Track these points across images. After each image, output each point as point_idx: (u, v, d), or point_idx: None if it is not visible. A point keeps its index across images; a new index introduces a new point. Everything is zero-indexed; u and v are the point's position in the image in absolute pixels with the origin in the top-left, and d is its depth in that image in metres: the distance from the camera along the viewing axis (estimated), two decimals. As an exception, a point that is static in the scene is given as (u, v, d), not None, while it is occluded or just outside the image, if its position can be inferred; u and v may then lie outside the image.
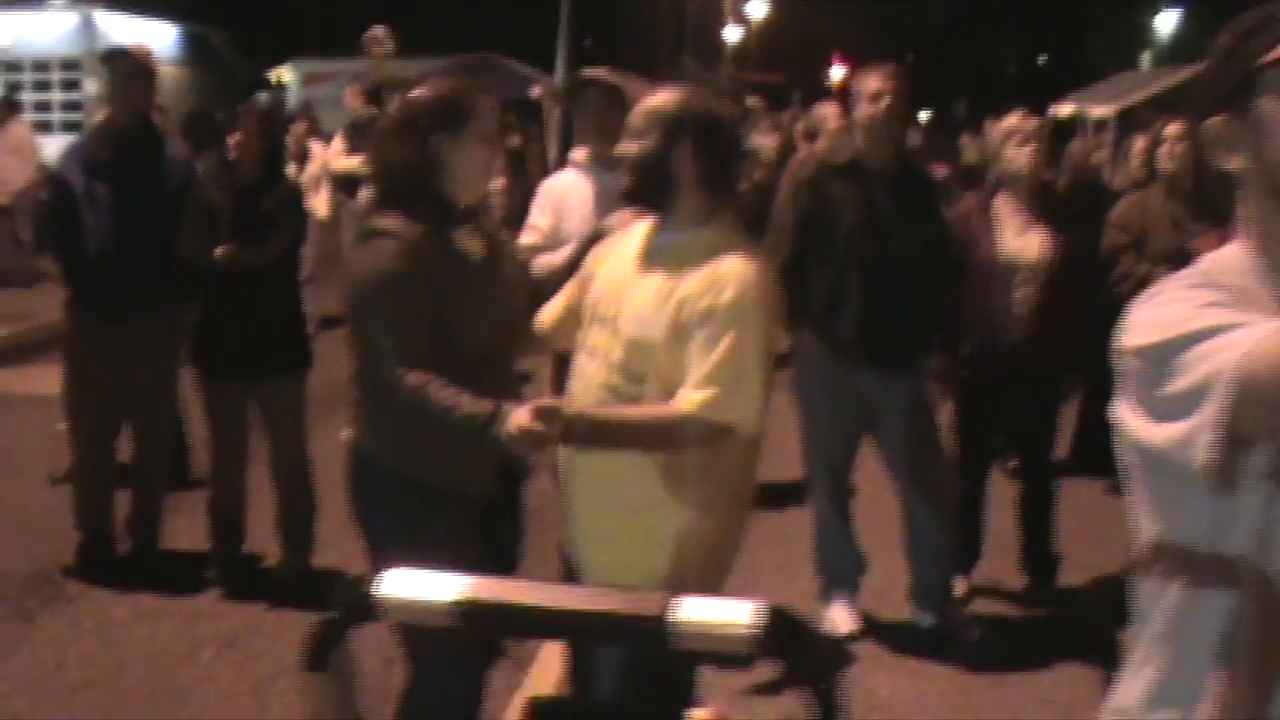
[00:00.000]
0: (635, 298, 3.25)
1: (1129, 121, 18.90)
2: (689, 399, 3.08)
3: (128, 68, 5.82)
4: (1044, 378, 5.50)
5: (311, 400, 5.84)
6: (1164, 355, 1.54)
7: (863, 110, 5.09)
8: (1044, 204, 5.39)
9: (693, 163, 3.26)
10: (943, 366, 5.53)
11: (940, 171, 9.66)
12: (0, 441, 7.75)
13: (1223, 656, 1.60)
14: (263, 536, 5.90)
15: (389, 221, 3.27)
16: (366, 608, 1.34)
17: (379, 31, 10.37)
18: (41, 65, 23.93)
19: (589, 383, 3.33)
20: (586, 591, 1.34)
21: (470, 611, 1.29)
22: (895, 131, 5.22)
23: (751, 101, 13.97)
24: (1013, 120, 5.44)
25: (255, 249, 5.43)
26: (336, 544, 5.44)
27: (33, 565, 5.87)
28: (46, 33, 23.27)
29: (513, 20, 28.85)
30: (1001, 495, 5.93)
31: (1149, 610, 1.70)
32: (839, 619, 5.33)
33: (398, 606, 1.32)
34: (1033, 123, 5.42)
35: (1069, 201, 6.38)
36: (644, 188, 3.31)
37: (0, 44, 23.02)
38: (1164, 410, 1.54)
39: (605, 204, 4.81)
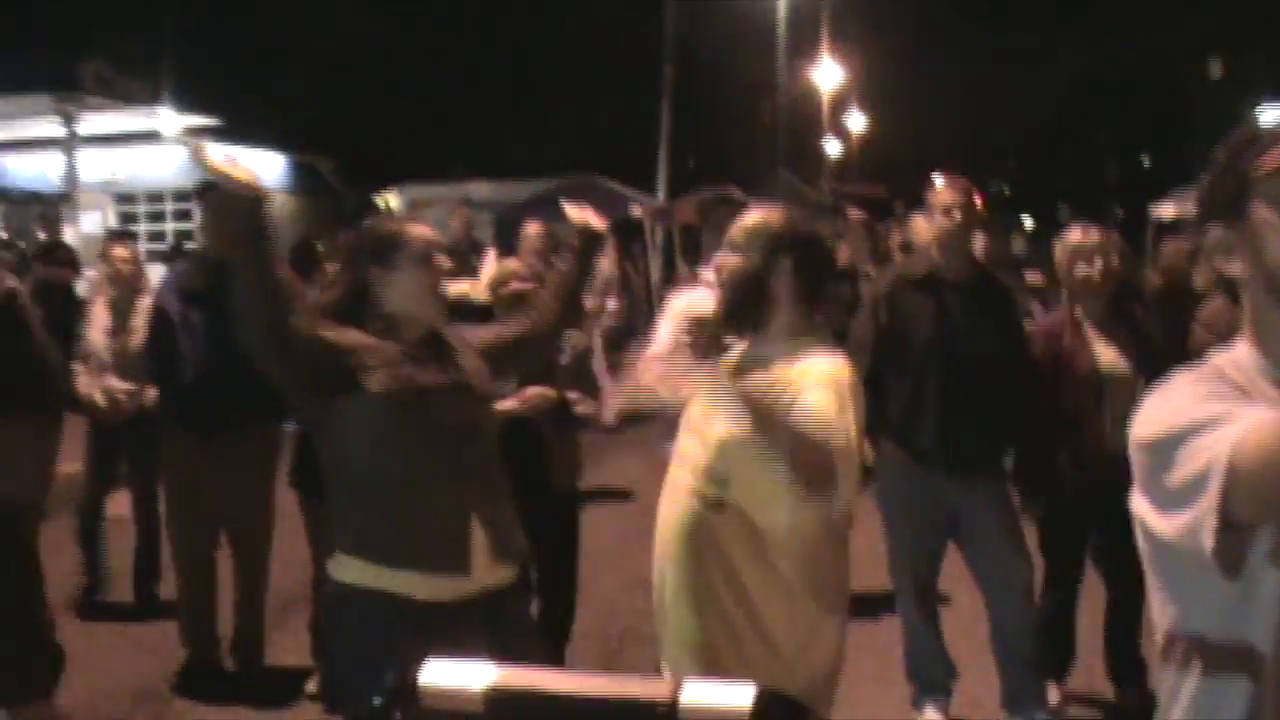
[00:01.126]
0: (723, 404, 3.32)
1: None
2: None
3: (219, 200, 6.06)
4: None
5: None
6: (1168, 447, 1.62)
7: (936, 224, 5.21)
8: (1122, 312, 5.42)
9: (790, 280, 3.36)
10: (1031, 478, 5.55)
11: (1036, 278, 9.67)
12: (112, 562, 7.97)
13: None
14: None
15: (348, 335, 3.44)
16: (409, 694, 1.44)
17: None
18: (155, 197, 24.84)
19: (678, 491, 3.41)
20: (604, 679, 1.44)
21: (496, 698, 1.40)
22: (968, 243, 5.34)
23: (854, 214, 14.02)
24: (1074, 236, 5.45)
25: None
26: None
27: (140, 682, 6.04)
28: (159, 166, 24.17)
29: (614, 141, 29.39)
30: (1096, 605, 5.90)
31: (1171, 700, 1.75)
32: None
33: (434, 693, 1.41)
34: (1093, 236, 5.42)
35: (1158, 304, 6.40)
36: (740, 304, 3.39)
37: (116, 178, 23.91)
38: (1170, 500, 1.61)
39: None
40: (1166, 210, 29.25)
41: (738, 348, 3.49)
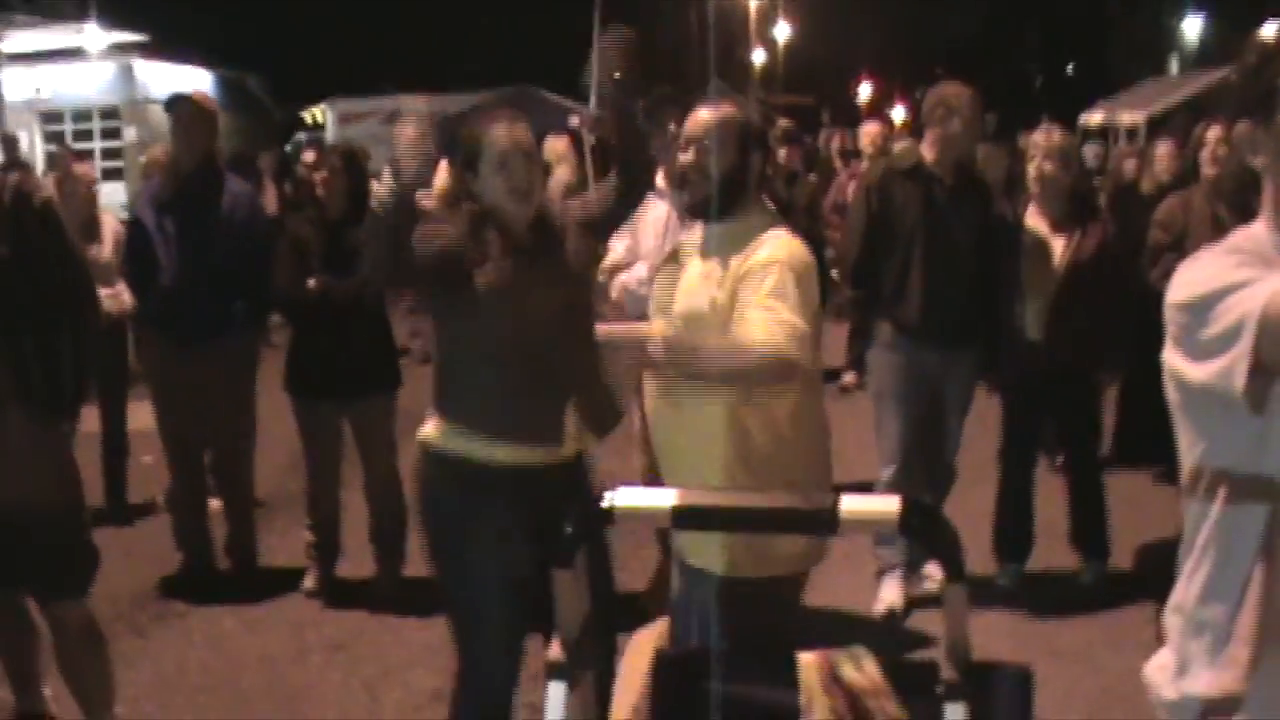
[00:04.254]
0: (685, 281, 3.58)
1: (1159, 127, 19.15)
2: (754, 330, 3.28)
3: (189, 112, 6.18)
4: (1074, 374, 5.90)
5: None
6: (1204, 306, 1.90)
7: (938, 125, 5.64)
8: (1070, 212, 5.84)
9: (757, 168, 3.60)
10: (988, 363, 5.98)
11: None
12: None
13: (1262, 556, 1.96)
14: (353, 549, 6.28)
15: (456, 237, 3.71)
16: (601, 516, 1.66)
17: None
18: (82, 115, 24.55)
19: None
20: (772, 495, 1.70)
21: (682, 513, 1.64)
22: (961, 143, 5.74)
23: (782, 123, 14.23)
24: (1035, 136, 6.02)
25: (345, 280, 5.78)
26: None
27: (140, 586, 6.23)
28: (86, 83, 23.87)
29: (545, 54, 29.30)
30: (1052, 489, 6.28)
31: (1197, 525, 2.05)
32: (889, 595, 5.76)
33: (626, 513, 1.64)
34: (1056, 138, 5.93)
35: (1109, 207, 6.82)
36: (719, 193, 3.53)
37: (41, 96, 23.59)
38: (1206, 351, 1.90)
39: (674, 227, 5.17)
40: (1093, 117, 29.76)
41: (695, 233, 3.69)
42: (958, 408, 5.84)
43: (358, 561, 6.25)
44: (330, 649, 5.54)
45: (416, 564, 5.99)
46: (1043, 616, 5.67)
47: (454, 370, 3.77)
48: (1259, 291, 1.83)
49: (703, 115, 3.60)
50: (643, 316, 3.92)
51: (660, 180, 5.73)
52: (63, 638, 4.28)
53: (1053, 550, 6.17)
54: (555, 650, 1.95)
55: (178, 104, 6.24)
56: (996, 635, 5.24)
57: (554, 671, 1.94)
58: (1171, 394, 2.04)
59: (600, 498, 1.67)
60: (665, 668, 2.47)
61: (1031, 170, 5.89)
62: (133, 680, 5.11)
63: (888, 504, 1.60)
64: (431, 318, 3.91)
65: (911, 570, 5.80)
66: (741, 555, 3.44)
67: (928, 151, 5.69)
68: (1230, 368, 1.84)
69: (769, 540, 3.43)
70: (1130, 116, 26.68)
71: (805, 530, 2.07)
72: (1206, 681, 2.06)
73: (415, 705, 4.98)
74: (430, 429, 3.77)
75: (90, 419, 7.22)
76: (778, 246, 3.44)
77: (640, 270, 5.36)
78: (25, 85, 22.41)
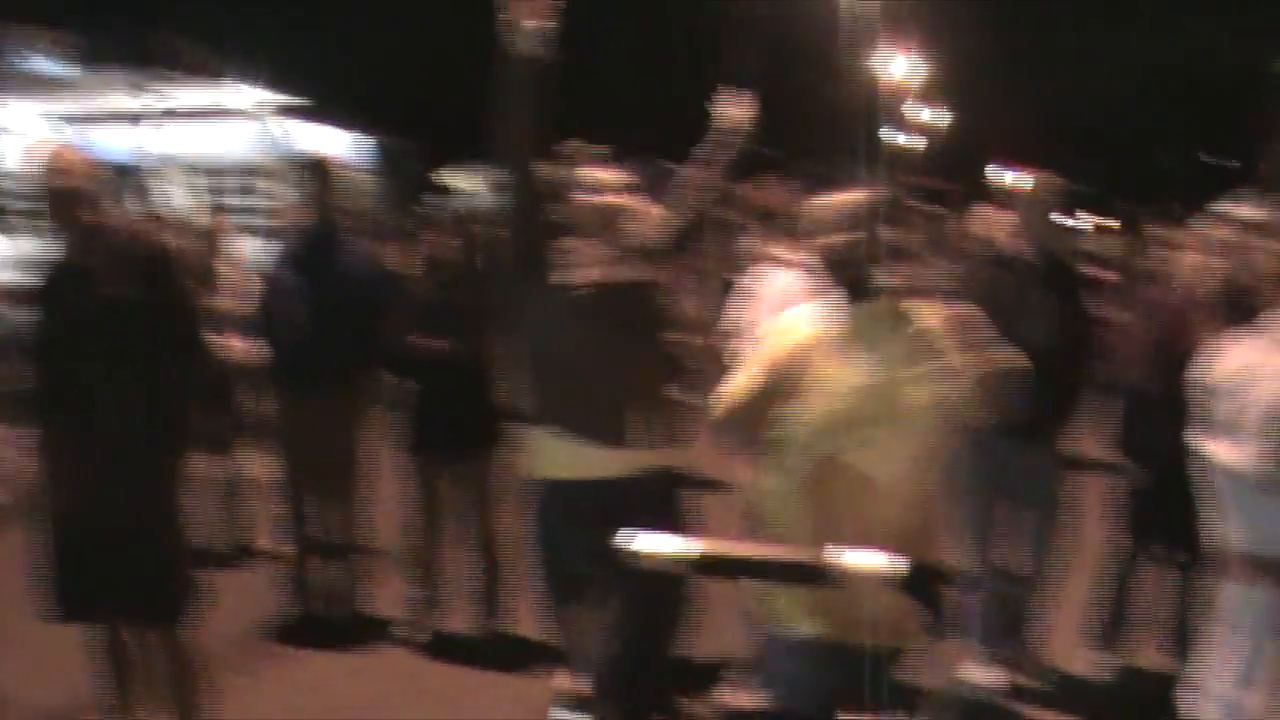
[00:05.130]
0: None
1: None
2: None
3: (323, 174, 6.46)
4: None
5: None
6: (1238, 390, 1.95)
7: (1015, 208, 5.73)
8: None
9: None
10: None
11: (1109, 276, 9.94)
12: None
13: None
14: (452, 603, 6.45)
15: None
16: (621, 556, 1.78)
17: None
18: (232, 171, 25.33)
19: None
20: (785, 549, 1.82)
21: (701, 561, 1.76)
22: (1041, 227, 5.78)
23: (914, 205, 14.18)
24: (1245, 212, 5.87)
25: (454, 339, 6.01)
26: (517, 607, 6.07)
27: (239, 627, 6.41)
28: (238, 141, 24.65)
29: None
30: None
31: (1236, 610, 2.08)
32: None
33: (648, 559, 1.76)
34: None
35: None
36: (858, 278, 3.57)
37: (195, 151, 24.40)
38: (1241, 433, 1.95)
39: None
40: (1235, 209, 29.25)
41: (838, 317, 3.73)
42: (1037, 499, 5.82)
43: (457, 615, 6.42)
44: (429, 696, 5.71)
45: (510, 615, 6.21)
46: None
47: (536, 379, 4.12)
48: None
49: (829, 203, 3.66)
50: None
51: (785, 252, 5.88)
52: (155, 667, 4.47)
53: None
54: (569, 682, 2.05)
55: (315, 165, 6.54)
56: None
57: (563, 701, 2.04)
58: (1208, 478, 2.10)
59: (624, 539, 1.78)
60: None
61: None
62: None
63: (894, 562, 1.69)
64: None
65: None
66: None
67: (1011, 235, 5.79)
68: (1264, 455, 1.89)
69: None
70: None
71: (813, 581, 2.14)
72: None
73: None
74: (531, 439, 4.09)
75: (202, 464, 7.53)
76: (943, 310, 3.54)
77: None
78: (182, 142, 23.21)
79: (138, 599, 4.33)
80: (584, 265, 4.02)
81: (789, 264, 5.84)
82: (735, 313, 5.70)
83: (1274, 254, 6.07)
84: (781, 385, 3.62)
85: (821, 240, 3.70)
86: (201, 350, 4.50)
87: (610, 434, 3.97)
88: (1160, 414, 5.69)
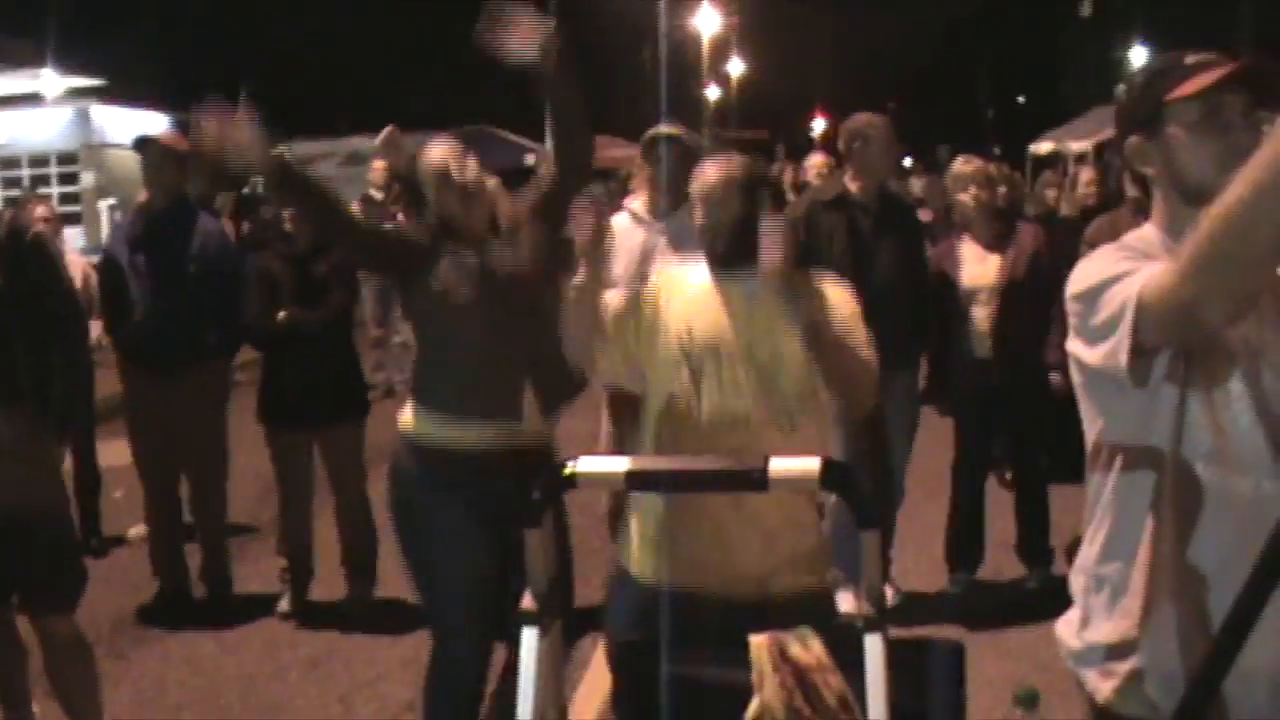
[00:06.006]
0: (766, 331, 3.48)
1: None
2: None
3: (158, 153, 6.36)
4: (1018, 388, 6.15)
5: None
6: (1093, 295, 2.14)
7: (856, 155, 5.89)
8: (1000, 233, 6.16)
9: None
10: (934, 385, 6.34)
11: (925, 216, 10.34)
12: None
13: (1152, 518, 2.22)
14: (324, 573, 6.46)
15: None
16: (564, 480, 1.89)
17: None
18: (39, 160, 24.67)
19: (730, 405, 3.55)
20: (710, 460, 1.94)
21: (635, 476, 1.88)
22: (879, 169, 5.98)
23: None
24: (957, 166, 6.33)
25: (313, 311, 6.03)
26: (395, 576, 6.00)
27: (118, 612, 6.37)
28: (43, 129, 23.99)
29: (503, 96, 29.62)
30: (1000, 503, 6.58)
31: (1098, 494, 2.29)
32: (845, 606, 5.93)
33: (585, 477, 1.88)
34: (970, 165, 6.25)
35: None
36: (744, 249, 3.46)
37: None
38: (1097, 334, 2.14)
39: (650, 254, 5.45)
40: (1042, 147, 30.30)
41: (708, 283, 3.74)
42: (900, 428, 5.99)
43: (330, 585, 6.43)
44: (305, 666, 5.71)
45: (387, 585, 6.25)
46: (991, 619, 5.90)
47: (422, 358, 4.17)
48: (1135, 280, 2.07)
49: (711, 174, 3.60)
50: None
51: (639, 206, 6.00)
52: (53, 652, 4.45)
53: (1001, 560, 6.45)
54: (527, 601, 2.17)
55: (147, 146, 6.42)
56: (949, 637, 5.44)
57: (527, 619, 2.17)
58: (1075, 377, 2.29)
59: (563, 465, 1.90)
60: (624, 653, 2.69)
61: (963, 198, 6.17)
62: (114, 700, 5.22)
63: (810, 463, 1.84)
64: (403, 314, 4.24)
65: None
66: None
67: (851, 182, 5.93)
68: (1116, 348, 2.08)
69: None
70: (1079, 145, 27.18)
71: (740, 488, 2.22)
72: (1106, 630, 2.30)
73: (390, 716, 5.16)
74: (406, 416, 4.08)
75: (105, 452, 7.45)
76: (839, 286, 3.60)
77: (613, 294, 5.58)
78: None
79: (34, 581, 4.30)
80: (466, 247, 4.03)
81: (638, 218, 6.00)
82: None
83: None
84: (634, 311, 3.63)
85: (710, 214, 3.67)
86: (82, 333, 4.49)
87: (493, 409, 4.00)
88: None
